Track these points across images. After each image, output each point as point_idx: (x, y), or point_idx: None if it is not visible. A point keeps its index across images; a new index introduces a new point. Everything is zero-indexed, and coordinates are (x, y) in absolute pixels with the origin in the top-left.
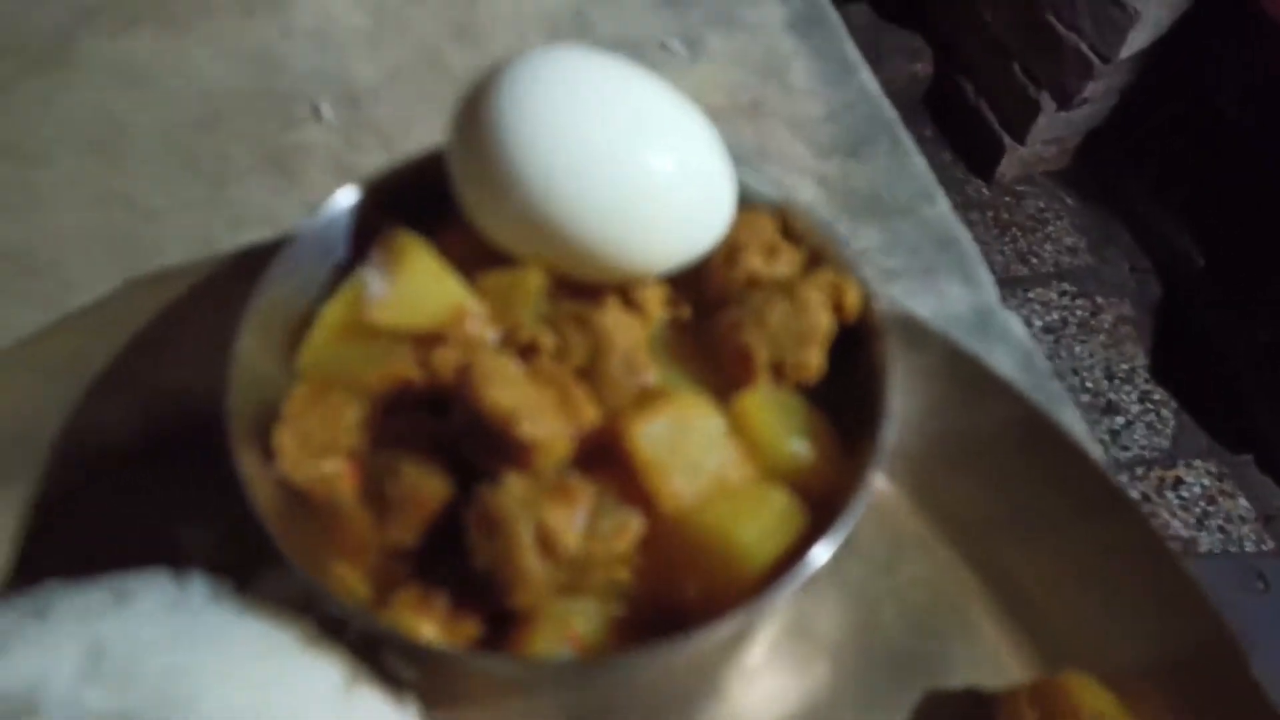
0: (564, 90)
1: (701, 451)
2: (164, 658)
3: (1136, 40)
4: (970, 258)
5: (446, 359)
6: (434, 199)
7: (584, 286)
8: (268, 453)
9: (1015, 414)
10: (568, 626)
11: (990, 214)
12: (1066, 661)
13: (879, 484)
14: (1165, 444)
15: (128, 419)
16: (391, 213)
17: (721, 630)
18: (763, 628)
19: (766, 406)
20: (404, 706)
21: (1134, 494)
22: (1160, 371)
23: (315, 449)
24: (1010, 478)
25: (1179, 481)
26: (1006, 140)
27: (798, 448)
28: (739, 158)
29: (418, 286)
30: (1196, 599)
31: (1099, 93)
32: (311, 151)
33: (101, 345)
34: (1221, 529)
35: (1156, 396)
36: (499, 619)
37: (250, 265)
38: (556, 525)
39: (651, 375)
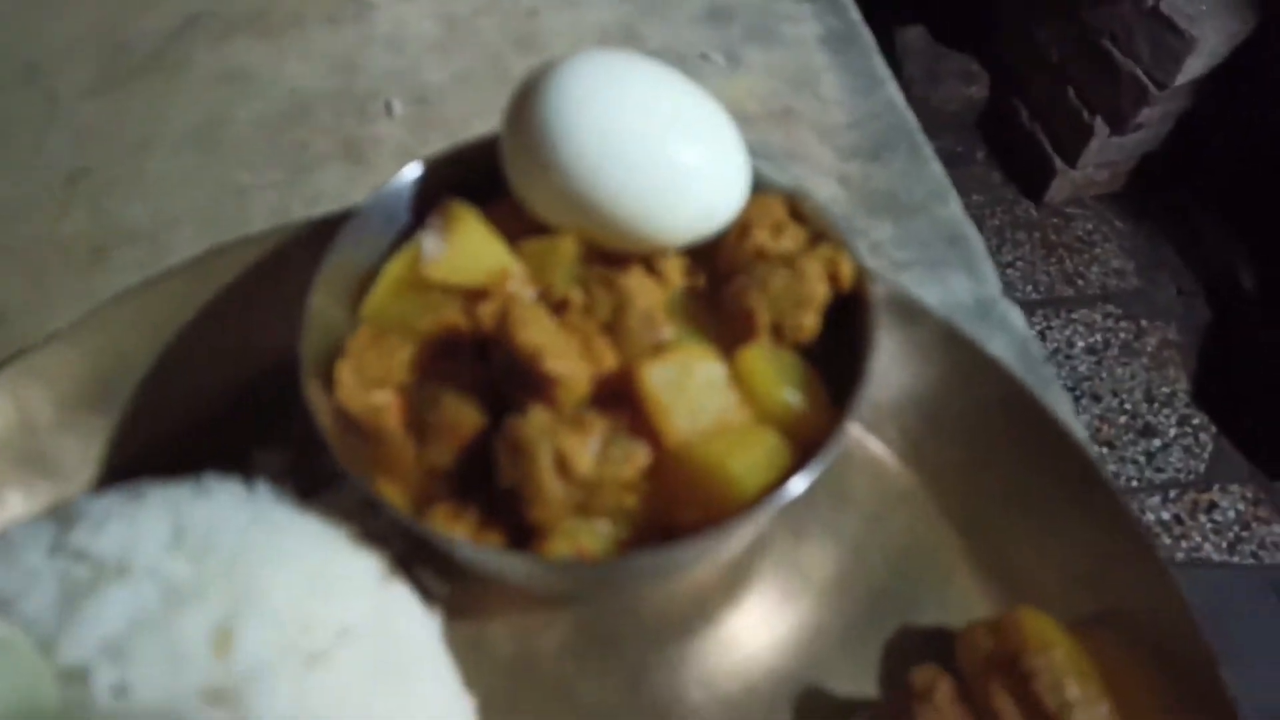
0: (605, 87)
1: (704, 394)
2: (234, 539)
3: (1193, 67)
4: (977, 254)
5: (489, 311)
6: (487, 177)
7: (613, 255)
8: (330, 386)
9: (1004, 390)
10: (578, 542)
11: (1038, 235)
12: (1027, 604)
13: (872, 447)
14: (1201, 468)
15: (213, 362)
16: (449, 187)
17: (712, 545)
18: (757, 565)
19: (765, 360)
20: (432, 611)
21: (1166, 516)
22: (1200, 396)
23: (369, 382)
24: (994, 446)
25: (1213, 505)
26: (1058, 163)
27: (790, 397)
28: (764, 154)
29: (468, 249)
30: (1149, 558)
31: (1153, 118)
32: (382, 143)
33: (191, 300)
34: (1254, 554)
35: (1195, 421)
36: (521, 533)
37: (324, 232)
38: (572, 451)
39: (667, 332)
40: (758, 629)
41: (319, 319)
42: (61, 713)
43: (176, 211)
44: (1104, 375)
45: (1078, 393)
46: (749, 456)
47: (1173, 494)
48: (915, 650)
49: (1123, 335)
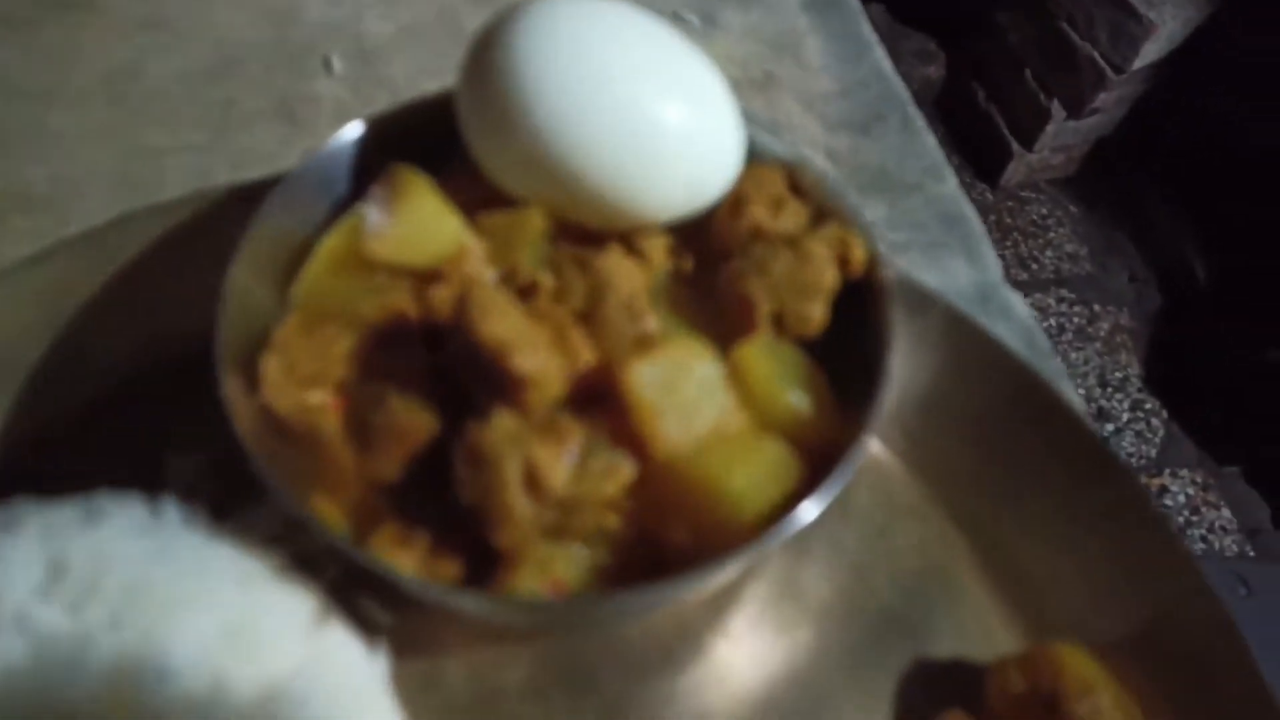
0: (576, 33)
1: (697, 397)
2: (129, 577)
3: (1150, 52)
4: (976, 236)
5: (444, 296)
6: (440, 139)
7: (586, 233)
8: (254, 382)
9: (1016, 383)
10: (550, 571)
11: (993, 218)
12: (1054, 630)
13: (874, 450)
14: (1153, 452)
15: (117, 346)
16: (396, 151)
17: (706, 578)
18: (750, 587)
19: (765, 357)
20: (375, 652)
21: None
22: (1153, 381)
23: (302, 379)
24: (1007, 446)
25: (1163, 490)
26: (1014, 146)
27: (795, 400)
28: (750, 117)
29: (418, 222)
30: (1188, 570)
31: (1110, 102)
32: (319, 103)
33: (93, 274)
34: (1204, 539)
35: (1147, 406)
36: (480, 561)
37: (249, 199)
38: (544, 463)
39: (651, 323)
40: (751, 660)
41: (241, 301)
42: None
43: (80, 174)
44: (1058, 360)
45: None
46: (751, 471)
47: None
48: (932, 686)
49: (1076, 320)
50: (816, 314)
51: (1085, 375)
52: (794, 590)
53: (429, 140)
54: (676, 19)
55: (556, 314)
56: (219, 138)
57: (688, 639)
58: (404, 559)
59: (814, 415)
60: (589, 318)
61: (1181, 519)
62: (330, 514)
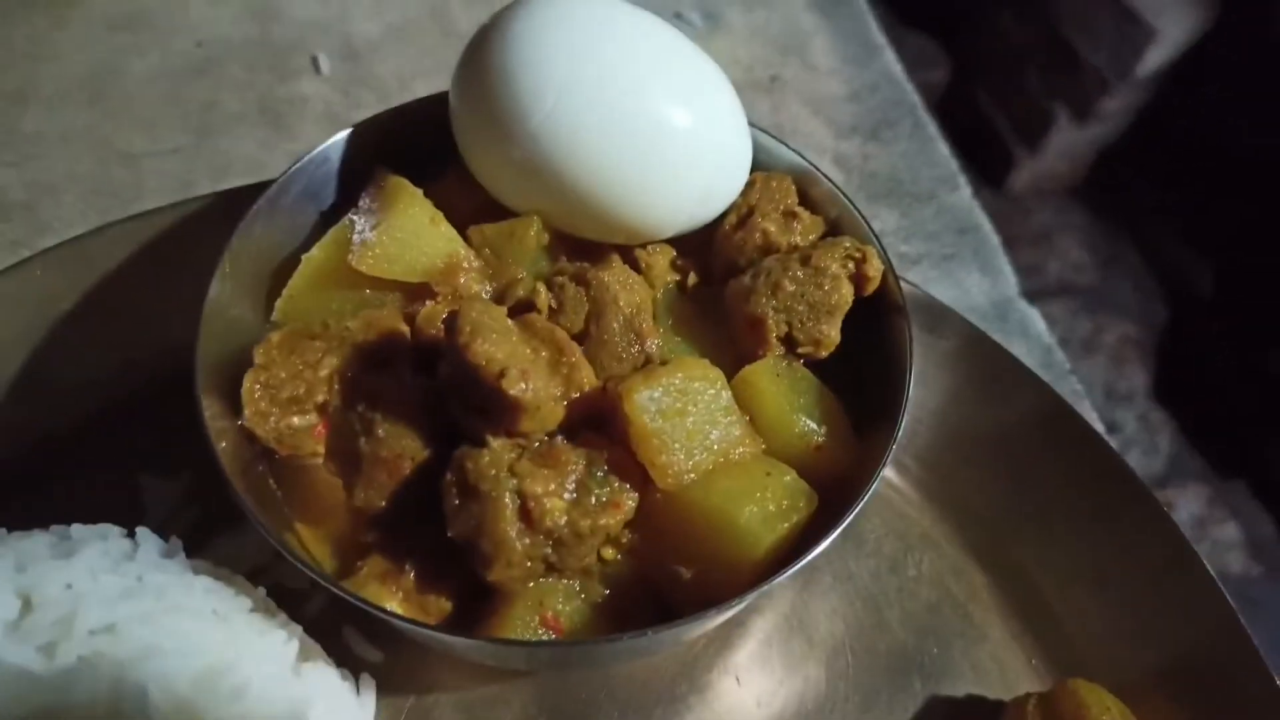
0: (576, 33)
1: (703, 423)
2: (103, 615)
3: (1154, 58)
4: (991, 247)
5: (434, 313)
6: (431, 145)
7: (586, 245)
8: (237, 404)
9: (1036, 406)
10: (546, 608)
11: (998, 226)
12: (1076, 668)
13: (889, 477)
14: (1159, 466)
15: (95, 363)
16: (385, 158)
17: (713, 620)
18: (756, 621)
19: (776, 380)
20: (362, 690)
21: None
22: (1160, 394)
23: (285, 401)
24: (1028, 473)
25: (1169, 505)
26: (1018, 152)
27: (807, 426)
28: (757, 125)
29: (407, 234)
30: (1217, 604)
31: (1115, 110)
32: (306, 105)
33: (69, 287)
34: (1210, 554)
35: (1154, 419)
36: (472, 596)
37: (232, 209)
38: (540, 494)
39: (654, 343)
40: (757, 699)
41: (221, 318)
42: None
43: (56, 179)
44: (1075, 379)
45: None
46: (760, 503)
47: None
48: None
49: (1080, 331)
50: (830, 334)
51: (1092, 387)
52: (803, 625)
53: (420, 146)
54: (679, 18)
55: (554, 333)
56: (200, 141)
57: (691, 676)
58: (390, 595)
59: (827, 443)
60: (588, 337)
61: (1187, 534)
62: (314, 545)
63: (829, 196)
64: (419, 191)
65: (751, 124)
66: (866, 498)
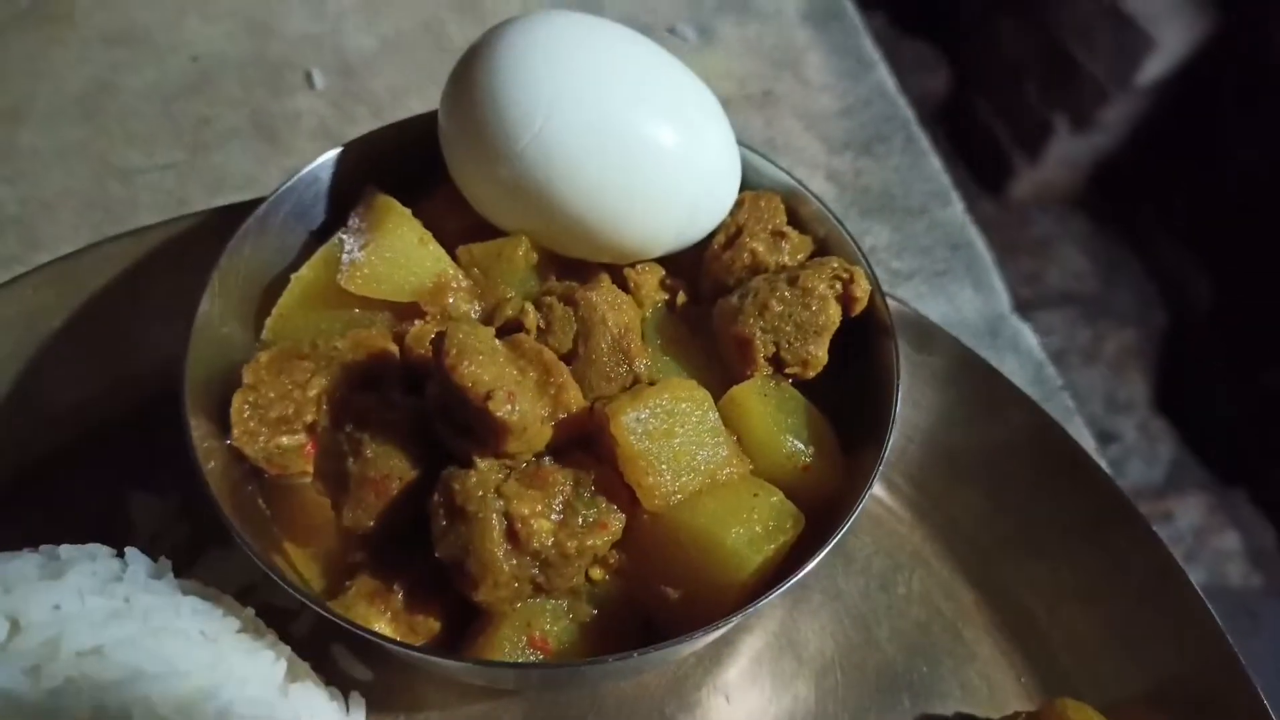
0: (564, 54)
1: (691, 444)
2: (90, 637)
3: (1153, 69)
4: (983, 263)
5: (423, 333)
6: (421, 164)
7: (574, 265)
8: (226, 423)
9: (1026, 426)
10: (534, 628)
11: (997, 234)
12: (1064, 687)
13: (878, 495)
14: (1159, 476)
15: (85, 381)
16: (375, 177)
17: (701, 641)
18: (746, 640)
19: (764, 400)
20: (351, 708)
21: None
22: (1160, 403)
23: (274, 420)
24: (1018, 492)
25: (1169, 515)
26: (1017, 162)
27: (795, 446)
28: (746, 143)
29: (397, 253)
30: (1207, 625)
31: (1115, 120)
32: (300, 120)
33: (60, 304)
34: (1210, 564)
35: (1154, 428)
36: (460, 616)
37: (223, 226)
38: (527, 515)
39: (642, 363)
40: (747, 717)
41: (210, 336)
42: None
43: (51, 194)
44: (1067, 395)
45: None
46: (747, 524)
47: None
48: None
49: (1080, 340)
50: (818, 354)
51: (1091, 396)
52: (792, 643)
53: (410, 165)
54: (672, 33)
55: (542, 354)
56: (194, 157)
57: (680, 694)
58: (379, 615)
59: (815, 463)
60: (576, 357)
61: (1188, 544)
62: (302, 564)
63: (818, 216)
64: (408, 211)
65: (741, 142)
66: (854, 518)
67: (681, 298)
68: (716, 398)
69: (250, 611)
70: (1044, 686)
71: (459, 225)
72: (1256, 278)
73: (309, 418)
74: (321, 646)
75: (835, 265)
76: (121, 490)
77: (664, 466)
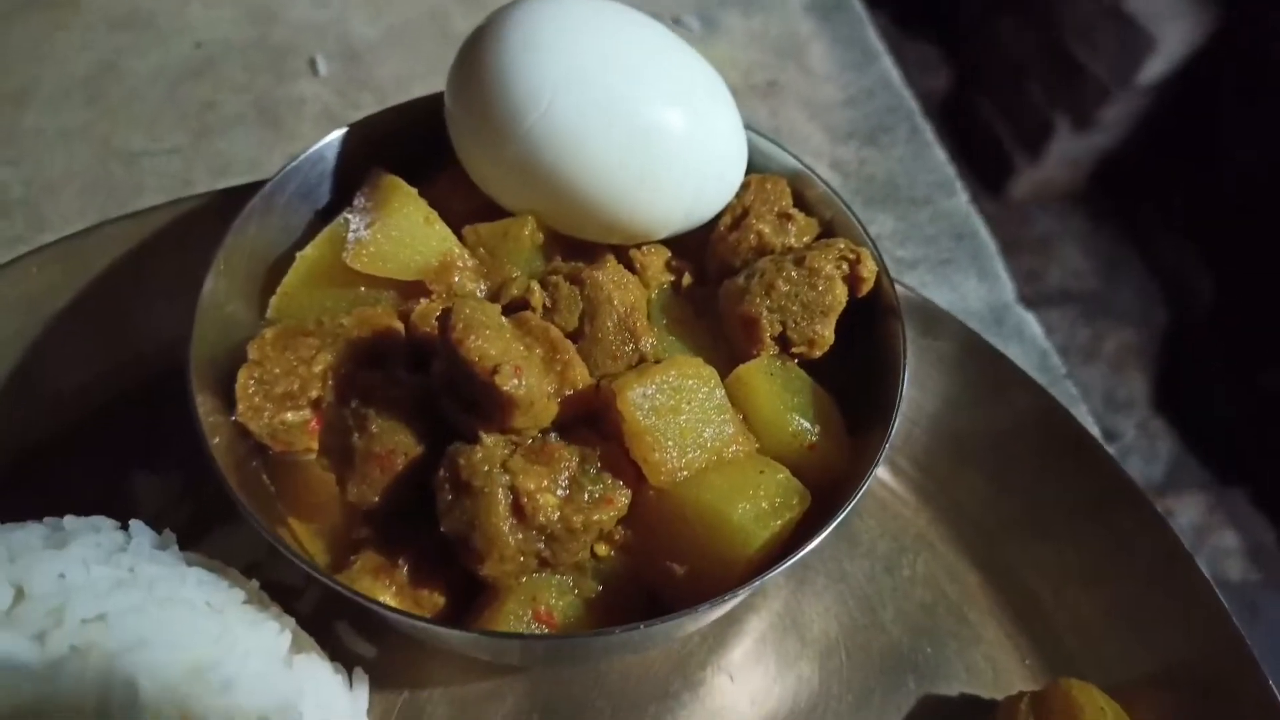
0: (571, 34)
1: (697, 421)
2: (94, 606)
3: (1154, 66)
4: (987, 252)
5: (428, 311)
6: (427, 145)
7: (580, 245)
8: (231, 400)
9: (1032, 409)
10: (539, 603)
11: (998, 232)
12: (1069, 668)
13: (882, 477)
14: (1158, 474)
15: (90, 360)
16: (381, 157)
17: (703, 616)
18: (750, 620)
19: (770, 379)
20: (355, 684)
21: None
22: (1160, 402)
23: (279, 396)
24: (1023, 475)
25: (1169, 512)
26: (1018, 159)
27: (801, 425)
28: (753, 127)
29: (402, 232)
30: (1212, 606)
31: (1116, 118)
32: (304, 105)
33: (66, 283)
34: (1209, 561)
35: (1153, 426)
36: (464, 591)
37: (227, 207)
38: (533, 491)
39: (648, 341)
40: (750, 697)
41: (215, 314)
42: None
43: (55, 177)
44: (1071, 383)
45: None
46: (753, 500)
47: None
48: None
49: (1080, 338)
50: (824, 334)
51: (1091, 394)
52: (797, 624)
53: (415, 146)
54: (677, 23)
55: (548, 331)
56: (199, 141)
57: (685, 673)
58: (383, 589)
59: (820, 442)
60: (582, 336)
61: (1187, 542)
62: (307, 540)
63: (824, 199)
64: (414, 190)
65: (747, 126)
66: (859, 495)
67: (687, 279)
68: (723, 378)
69: (255, 584)
70: (1049, 668)
71: (464, 207)
72: (1256, 278)
73: (314, 393)
74: (325, 623)
75: (842, 246)
76: (126, 469)
77: (670, 443)
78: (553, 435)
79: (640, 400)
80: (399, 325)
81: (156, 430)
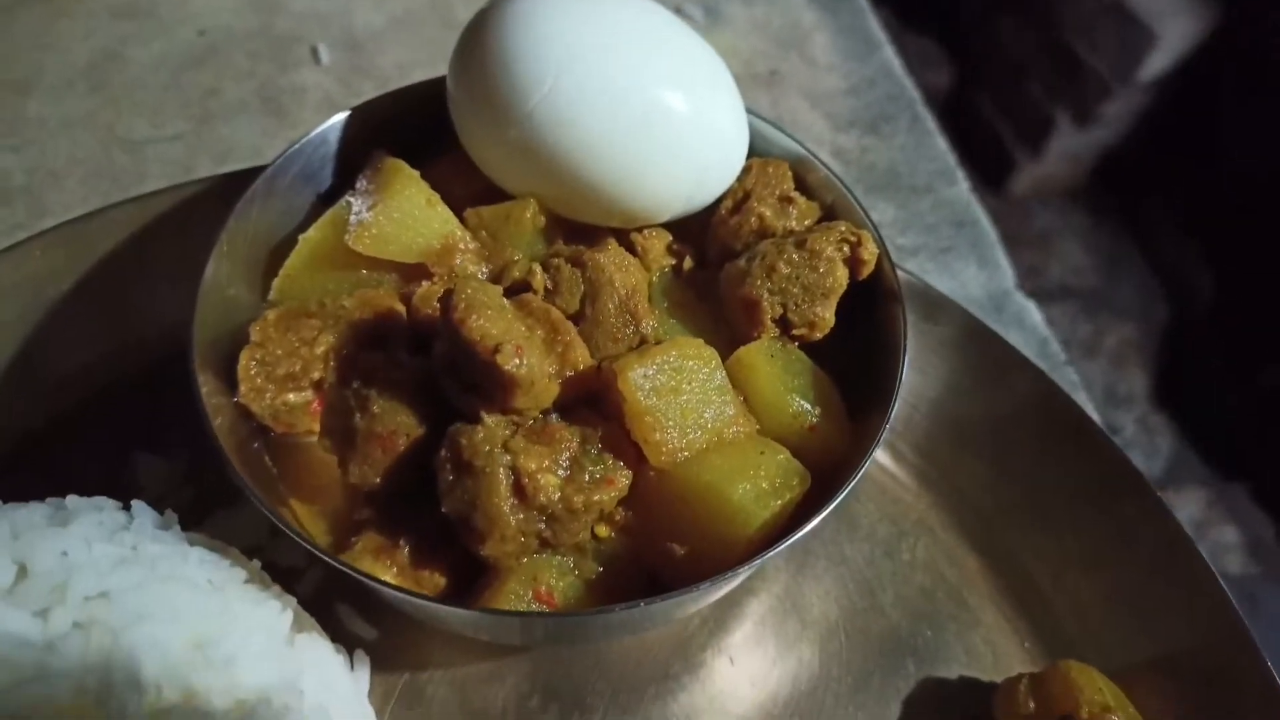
0: (574, 16)
1: (698, 402)
2: (96, 583)
3: (1155, 63)
4: (988, 240)
5: (430, 293)
6: (428, 128)
7: (582, 228)
8: (233, 382)
9: (1033, 394)
10: (540, 583)
11: (998, 227)
12: (1068, 651)
13: (882, 461)
14: (1158, 469)
15: (92, 343)
16: (382, 141)
17: (703, 595)
18: (750, 603)
19: (770, 361)
20: (356, 665)
21: None
22: (1160, 397)
23: (281, 377)
24: (1024, 459)
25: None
26: (1019, 156)
27: (801, 406)
28: (755, 112)
29: (404, 215)
30: (1211, 589)
31: (1117, 114)
32: (306, 93)
33: (69, 267)
34: (1209, 556)
35: (1153, 421)
36: (466, 572)
37: (229, 191)
38: (534, 471)
39: (649, 323)
40: (751, 681)
41: (217, 296)
42: None
43: (58, 164)
44: (1072, 370)
45: None
46: (753, 481)
47: None
48: (939, 708)
49: (1081, 334)
50: (825, 316)
51: (1091, 389)
52: (797, 607)
53: (417, 129)
54: (680, 13)
55: (549, 313)
56: (201, 128)
57: (685, 656)
58: (385, 570)
59: (821, 424)
60: (584, 318)
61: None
62: (309, 521)
63: (825, 183)
64: (416, 173)
65: (749, 110)
66: (859, 476)
67: (688, 262)
68: (723, 360)
69: (256, 564)
70: (1048, 652)
71: (466, 191)
72: (1256, 274)
73: (316, 375)
74: (326, 605)
75: (843, 229)
76: (128, 452)
77: (671, 423)
78: (554, 416)
79: (641, 381)
80: (401, 307)
81: (159, 413)
